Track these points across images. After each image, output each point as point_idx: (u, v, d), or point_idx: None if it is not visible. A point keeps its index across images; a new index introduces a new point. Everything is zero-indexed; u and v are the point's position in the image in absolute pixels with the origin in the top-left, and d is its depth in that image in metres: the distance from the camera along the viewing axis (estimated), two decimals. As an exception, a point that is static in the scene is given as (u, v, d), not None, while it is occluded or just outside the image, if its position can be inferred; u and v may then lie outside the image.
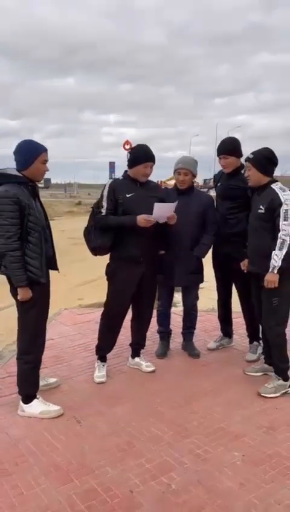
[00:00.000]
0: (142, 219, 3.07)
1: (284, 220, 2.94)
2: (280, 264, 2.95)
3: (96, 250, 3.25)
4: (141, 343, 3.62)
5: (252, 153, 3.12)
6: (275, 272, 2.97)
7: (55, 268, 3.02)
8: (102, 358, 3.46)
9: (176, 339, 4.09)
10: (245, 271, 3.38)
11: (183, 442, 2.60)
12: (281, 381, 3.17)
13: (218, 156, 3.56)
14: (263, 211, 3.04)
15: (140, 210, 3.09)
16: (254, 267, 3.20)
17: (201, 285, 3.86)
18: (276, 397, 3.12)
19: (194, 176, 3.60)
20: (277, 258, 2.95)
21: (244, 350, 3.92)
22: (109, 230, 3.16)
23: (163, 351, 3.87)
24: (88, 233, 3.24)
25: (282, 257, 2.95)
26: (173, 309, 4.15)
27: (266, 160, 3.08)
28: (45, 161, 2.78)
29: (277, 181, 3.11)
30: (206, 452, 2.51)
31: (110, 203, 3.15)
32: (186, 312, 3.93)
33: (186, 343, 3.96)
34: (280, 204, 2.96)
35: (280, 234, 2.95)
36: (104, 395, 3.18)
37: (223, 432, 2.70)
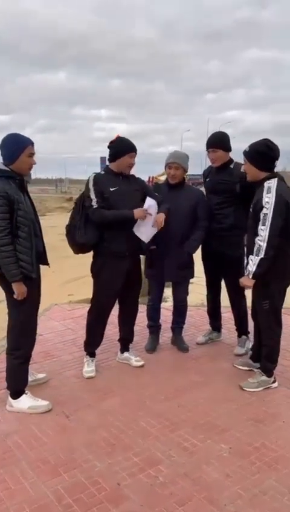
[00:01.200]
0: (138, 212, 3.11)
1: (262, 225, 2.79)
2: (254, 269, 2.86)
3: (84, 247, 3.23)
4: (129, 337, 3.63)
5: (249, 146, 2.97)
6: (250, 276, 2.89)
7: (46, 263, 3.01)
8: (91, 354, 3.47)
9: (166, 334, 4.11)
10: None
11: (170, 436, 2.62)
12: (264, 377, 3.18)
13: (207, 149, 3.56)
14: (251, 211, 2.96)
15: (125, 203, 3.10)
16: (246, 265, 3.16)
17: (191, 280, 3.87)
18: (260, 391, 3.14)
19: (185, 170, 3.60)
20: (251, 263, 2.87)
21: (232, 344, 3.95)
22: (103, 223, 3.13)
23: (152, 346, 3.88)
24: (73, 229, 3.20)
25: (257, 263, 2.83)
26: (162, 304, 4.17)
27: (259, 154, 2.89)
28: (32, 154, 2.75)
29: (275, 177, 2.88)
30: (194, 445, 2.53)
31: (98, 195, 3.12)
32: (176, 306, 3.95)
33: (176, 337, 3.98)
34: (261, 207, 2.80)
35: (256, 239, 2.82)
36: (93, 389, 3.19)
37: (210, 425, 2.73)
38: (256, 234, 2.85)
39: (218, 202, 3.55)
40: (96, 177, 3.18)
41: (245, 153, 3.01)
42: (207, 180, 3.74)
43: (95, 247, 3.26)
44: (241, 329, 3.85)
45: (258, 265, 2.85)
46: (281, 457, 2.43)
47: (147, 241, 3.31)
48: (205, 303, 4.14)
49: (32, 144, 2.75)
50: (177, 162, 3.53)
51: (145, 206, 3.15)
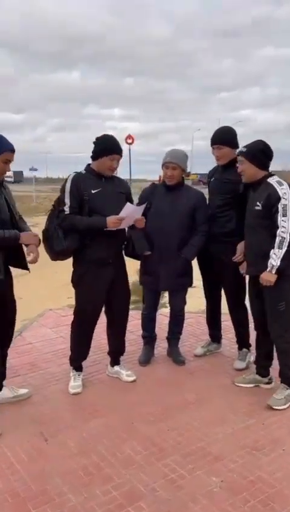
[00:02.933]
0: (111, 221, 2.79)
1: (283, 216, 2.69)
2: (278, 263, 2.71)
3: (60, 255, 2.94)
4: (119, 350, 3.37)
5: (245, 146, 2.85)
6: (273, 272, 2.73)
7: (23, 267, 2.74)
8: (77, 368, 3.22)
9: (162, 344, 3.85)
10: (244, 275, 3.13)
11: (157, 465, 2.36)
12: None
13: (211, 146, 3.26)
14: (260, 208, 2.79)
15: (108, 207, 2.82)
16: (253, 269, 2.94)
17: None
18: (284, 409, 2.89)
19: (183, 170, 3.33)
20: (275, 257, 2.71)
21: (233, 356, 3.66)
22: (74, 231, 2.87)
23: (146, 358, 3.62)
24: (50, 235, 2.90)
25: (281, 256, 2.70)
26: (160, 310, 3.91)
27: (261, 153, 2.82)
28: (8, 161, 2.55)
29: (273, 175, 2.85)
30: (182, 477, 2.27)
31: (74, 199, 2.86)
32: (173, 316, 3.68)
33: (172, 349, 3.71)
34: (278, 199, 2.71)
35: (278, 231, 2.71)
36: (78, 407, 2.94)
37: (202, 453, 2.46)
38: (275, 227, 2.71)
39: (220, 204, 3.26)
40: (76, 177, 2.90)
41: (244, 153, 2.85)
42: (212, 180, 3.43)
43: (74, 254, 2.99)
44: (242, 342, 3.56)
45: (283, 259, 2.71)
46: (278, 494, 2.15)
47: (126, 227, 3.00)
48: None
49: (12, 150, 2.55)
50: (175, 161, 3.25)
51: (122, 213, 2.82)
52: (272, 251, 2.73)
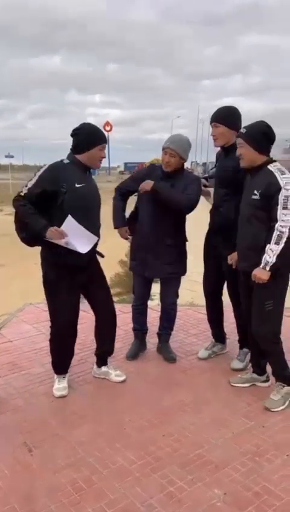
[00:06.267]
0: (52, 232, 2.49)
1: (284, 209, 2.44)
2: (274, 260, 2.47)
3: (23, 242, 2.68)
4: (109, 350, 3.12)
5: (246, 127, 2.61)
6: (267, 268, 2.50)
7: None
8: (60, 372, 2.99)
9: (151, 340, 3.64)
10: (234, 267, 2.91)
11: (153, 477, 2.16)
12: (286, 388, 2.78)
13: (210, 123, 2.99)
14: (257, 197, 2.54)
15: (93, 204, 2.61)
16: (245, 264, 2.71)
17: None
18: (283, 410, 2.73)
19: (182, 159, 3.06)
20: (271, 253, 2.48)
21: (230, 355, 3.47)
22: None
23: (134, 352, 3.42)
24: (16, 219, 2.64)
25: (278, 252, 2.46)
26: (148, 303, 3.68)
27: (261, 135, 2.58)
28: None
29: (275, 161, 2.61)
30: (181, 490, 2.08)
31: (38, 187, 2.51)
32: (164, 310, 3.47)
33: (162, 345, 3.51)
34: (279, 189, 2.45)
35: (277, 225, 2.46)
36: (64, 412, 2.72)
37: (201, 461, 2.28)
38: (273, 220, 2.48)
39: (222, 194, 3.00)
40: (58, 166, 2.60)
41: (243, 135, 2.60)
42: (216, 166, 3.14)
43: (42, 254, 2.74)
44: (244, 340, 3.28)
45: (279, 256, 2.48)
46: (287, 507, 1.98)
47: (85, 252, 2.63)
48: (196, 302, 3.65)
49: None
50: (172, 147, 2.99)
51: (64, 227, 2.52)
52: (268, 246, 2.49)
